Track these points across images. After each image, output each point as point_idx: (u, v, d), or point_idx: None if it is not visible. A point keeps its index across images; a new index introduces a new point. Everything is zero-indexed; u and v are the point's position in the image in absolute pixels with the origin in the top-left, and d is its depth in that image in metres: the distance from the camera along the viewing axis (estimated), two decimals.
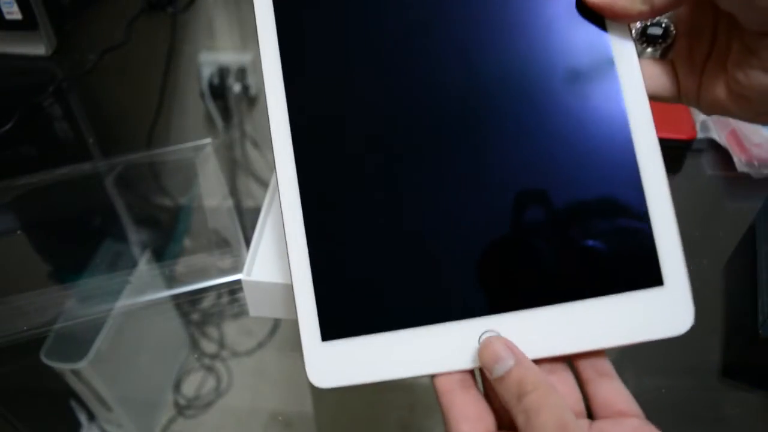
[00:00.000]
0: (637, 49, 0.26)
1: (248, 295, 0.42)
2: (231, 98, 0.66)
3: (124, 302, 0.45)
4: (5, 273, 0.48)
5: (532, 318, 0.25)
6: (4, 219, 0.52)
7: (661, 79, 0.27)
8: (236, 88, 0.67)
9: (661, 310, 0.24)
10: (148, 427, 0.40)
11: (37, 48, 0.69)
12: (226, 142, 0.60)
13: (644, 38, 0.29)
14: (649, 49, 0.29)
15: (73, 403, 0.41)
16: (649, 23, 0.28)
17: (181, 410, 0.40)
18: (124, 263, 0.47)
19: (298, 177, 0.27)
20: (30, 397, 0.42)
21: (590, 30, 0.26)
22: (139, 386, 0.42)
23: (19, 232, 0.51)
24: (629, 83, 0.26)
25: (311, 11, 0.29)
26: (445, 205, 0.26)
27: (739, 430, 0.39)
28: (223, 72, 0.70)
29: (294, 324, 0.45)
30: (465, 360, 0.25)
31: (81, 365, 0.42)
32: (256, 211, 0.45)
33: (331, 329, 0.26)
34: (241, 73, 0.70)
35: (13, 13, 0.65)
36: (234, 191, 0.54)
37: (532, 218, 0.26)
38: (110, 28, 0.74)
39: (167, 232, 0.51)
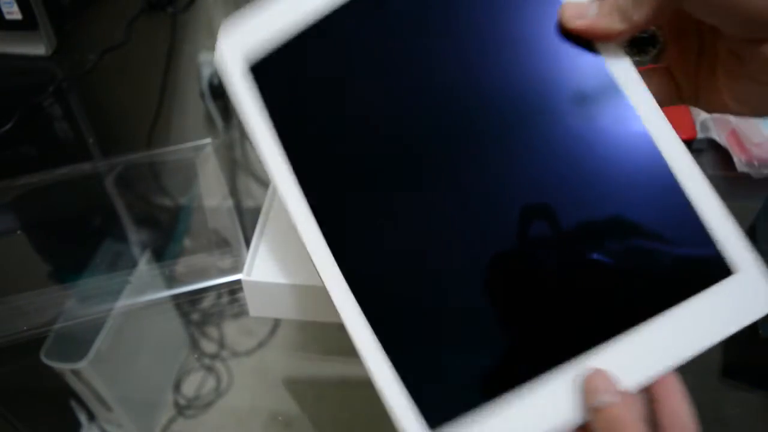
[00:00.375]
0: (630, 58, 0.26)
1: (248, 295, 0.42)
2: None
3: (124, 302, 0.45)
4: (5, 273, 0.48)
5: (623, 345, 0.24)
6: (4, 219, 0.52)
7: (661, 85, 0.28)
8: None
9: (741, 296, 0.24)
10: (148, 427, 0.40)
11: (37, 48, 0.69)
12: (226, 142, 0.60)
13: (635, 47, 0.29)
14: (642, 56, 0.29)
15: (73, 403, 0.41)
16: (638, 35, 0.28)
17: (181, 410, 0.40)
18: (124, 263, 0.47)
19: (337, 264, 0.27)
20: (30, 397, 0.42)
21: (585, 55, 0.26)
22: (139, 386, 0.42)
23: (19, 232, 0.51)
24: (633, 92, 0.26)
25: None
26: (514, 252, 0.26)
27: (739, 430, 0.39)
28: None
29: (294, 324, 0.45)
30: (570, 412, 0.24)
31: (81, 365, 0.42)
32: (256, 211, 0.45)
33: (436, 415, 0.24)
34: None
35: (13, 13, 0.65)
36: (234, 191, 0.54)
37: (594, 249, 0.25)
38: (110, 28, 0.74)
39: (167, 232, 0.51)
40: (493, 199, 0.26)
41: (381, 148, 0.28)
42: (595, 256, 0.25)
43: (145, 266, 0.47)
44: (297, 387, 0.41)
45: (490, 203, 0.26)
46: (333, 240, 0.27)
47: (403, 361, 0.25)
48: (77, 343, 0.43)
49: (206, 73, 0.70)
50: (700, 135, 0.54)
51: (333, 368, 0.42)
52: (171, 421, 0.40)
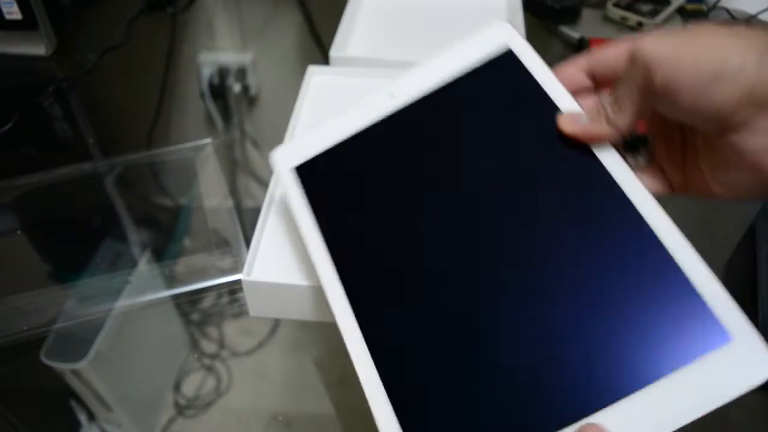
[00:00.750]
0: (628, 161, 0.30)
1: (248, 295, 0.42)
2: (231, 98, 0.66)
3: (124, 302, 0.45)
4: (5, 273, 0.48)
5: (621, 409, 0.25)
6: (4, 219, 0.52)
7: (654, 182, 0.32)
8: (236, 88, 0.68)
9: (740, 362, 0.25)
10: (148, 427, 0.40)
11: (37, 48, 0.69)
12: (226, 142, 0.60)
13: (629, 151, 0.34)
14: (636, 157, 0.34)
15: (73, 403, 0.41)
16: (629, 138, 0.33)
17: (181, 410, 0.40)
18: (124, 263, 0.47)
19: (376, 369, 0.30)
20: (30, 397, 0.42)
21: (584, 155, 0.31)
22: (139, 386, 0.42)
23: (19, 232, 0.51)
24: (625, 182, 0.29)
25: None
26: (517, 328, 0.28)
27: (739, 430, 0.39)
28: (223, 72, 0.70)
29: (294, 324, 0.45)
30: None
31: (81, 365, 0.42)
32: (256, 211, 0.45)
33: None
34: (241, 73, 0.70)
35: (13, 13, 0.65)
36: (234, 191, 0.54)
37: (600, 321, 0.27)
38: (110, 28, 0.74)
39: (167, 232, 0.51)
40: (498, 277, 0.30)
41: (396, 238, 0.33)
42: (600, 327, 0.27)
43: (145, 266, 0.47)
44: (297, 387, 0.41)
45: (499, 279, 0.30)
46: (365, 325, 0.32)
47: None
48: (77, 343, 0.43)
49: (206, 73, 0.70)
50: None
51: (333, 368, 0.42)
52: (171, 421, 0.40)
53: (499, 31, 0.35)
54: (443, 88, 0.35)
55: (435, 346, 0.29)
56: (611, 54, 0.31)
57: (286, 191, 0.36)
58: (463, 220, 0.32)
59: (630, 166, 0.30)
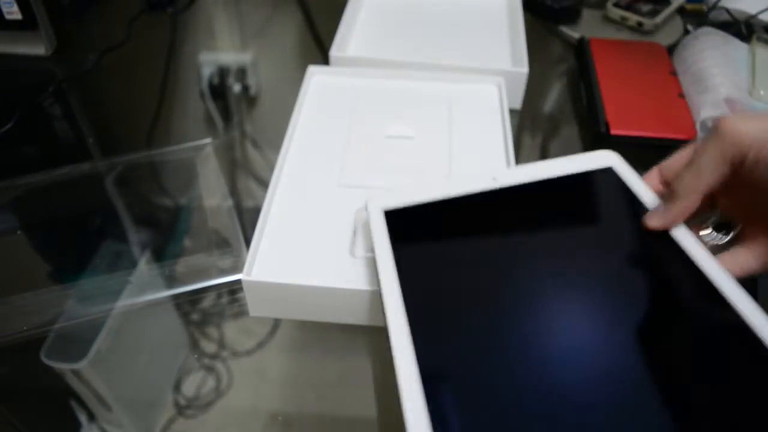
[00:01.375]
0: (710, 246, 0.33)
1: (248, 295, 0.42)
2: (231, 98, 0.66)
3: (124, 302, 0.45)
4: (5, 273, 0.48)
5: None
6: (4, 219, 0.52)
7: (740, 262, 0.33)
8: (236, 88, 0.68)
9: None
10: (148, 427, 0.40)
11: (37, 48, 0.69)
12: (226, 142, 0.60)
13: (715, 230, 0.36)
14: (721, 236, 0.36)
15: (73, 403, 0.41)
16: (712, 230, 0.36)
17: (181, 410, 0.40)
18: (124, 263, 0.47)
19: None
20: (30, 397, 0.42)
21: (665, 242, 0.34)
22: (139, 386, 0.42)
23: (19, 232, 0.51)
24: (701, 260, 0.32)
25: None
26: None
27: None
28: (223, 72, 0.70)
29: (294, 324, 0.45)
30: None
31: (81, 365, 0.42)
32: (256, 211, 0.45)
33: None
34: (241, 73, 0.70)
35: (13, 13, 0.65)
36: (234, 191, 0.54)
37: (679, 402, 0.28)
38: (110, 28, 0.74)
39: (167, 232, 0.51)
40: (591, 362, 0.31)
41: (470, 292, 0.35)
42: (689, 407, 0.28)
43: (145, 266, 0.47)
44: (297, 387, 0.41)
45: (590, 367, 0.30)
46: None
47: None
48: (77, 343, 0.43)
49: (206, 73, 0.70)
50: (700, 134, 0.54)
51: (333, 368, 0.42)
52: (171, 421, 0.40)
53: (606, 156, 0.40)
54: (542, 182, 0.39)
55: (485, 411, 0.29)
56: (675, 159, 0.35)
57: (373, 229, 0.39)
58: (532, 296, 0.34)
59: (708, 247, 0.33)
